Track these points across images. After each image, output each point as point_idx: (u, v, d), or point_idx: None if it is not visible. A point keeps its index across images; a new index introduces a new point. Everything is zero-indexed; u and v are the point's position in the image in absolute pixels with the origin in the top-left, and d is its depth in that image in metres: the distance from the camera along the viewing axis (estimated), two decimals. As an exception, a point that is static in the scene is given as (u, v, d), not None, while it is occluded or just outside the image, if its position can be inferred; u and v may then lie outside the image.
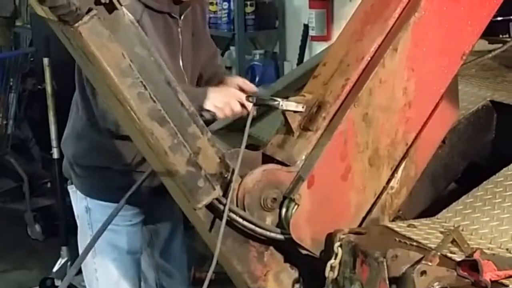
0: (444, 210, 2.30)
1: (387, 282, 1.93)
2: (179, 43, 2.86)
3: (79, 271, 3.23)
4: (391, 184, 2.31)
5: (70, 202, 3.12)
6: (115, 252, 2.98)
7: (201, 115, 2.52)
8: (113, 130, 2.75)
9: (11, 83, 6.05)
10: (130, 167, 2.82)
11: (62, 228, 4.91)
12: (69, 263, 4.69)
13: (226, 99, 2.74)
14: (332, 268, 2.10)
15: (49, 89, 4.89)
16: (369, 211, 2.29)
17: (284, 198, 2.18)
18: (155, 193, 2.92)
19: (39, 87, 5.99)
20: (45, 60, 4.92)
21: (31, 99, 6.61)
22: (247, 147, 2.21)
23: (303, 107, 2.26)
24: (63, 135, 3.09)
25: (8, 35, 7.34)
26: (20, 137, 6.81)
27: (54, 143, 4.88)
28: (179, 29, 2.86)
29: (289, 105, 2.25)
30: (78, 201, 3.00)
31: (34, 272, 5.11)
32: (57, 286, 4.65)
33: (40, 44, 5.24)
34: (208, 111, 2.70)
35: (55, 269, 4.81)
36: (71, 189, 3.07)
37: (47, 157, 5.62)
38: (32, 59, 6.44)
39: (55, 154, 4.90)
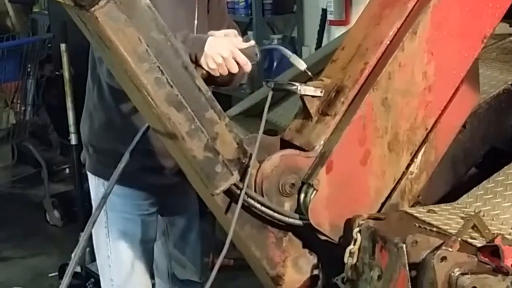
0: (464, 196, 2.29)
1: (407, 268, 1.92)
2: (194, 15, 2.81)
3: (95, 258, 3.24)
4: (410, 169, 2.30)
5: (88, 188, 3.11)
6: (129, 240, 2.98)
7: None
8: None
9: (29, 69, 6.06)
10: (140, 146, 2.79)
11: (81, 214, 4.92)
12: (87, 249, 4.70)
13: (222, 57, 2.49)
14: (351, 254, 2.10)
15: (66, 75, 4.89)
16: (389, 197, 2.27)
17: (303, 183, 2.17)
18: (172, 184, 2.91)
19: (56, 73, 5.98)
20: (63, 46, 4.92)
21: (49, 85, 6.62)
22: (265, 132, 2.20)
23: (321, 92, 2.24)
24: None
25: (26, 21, 7.36)
26: (38, 123, 6.84)
27: (72, 129, 4.88)
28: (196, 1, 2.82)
29: (308, 89, 2.24)
30: (95, 186, 2.99)
31: (53, 258, 5.13)
32: (76, 272, 4.66)
33: (57, 30, 5.24)
34: (202, 68, 2.48)
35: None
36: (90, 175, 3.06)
37: (65, 143, 5.63)
38: (49, 45, 6.44)
39: (73, 140, 4.90)
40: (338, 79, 2.26)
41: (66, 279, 2.15)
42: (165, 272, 3.25)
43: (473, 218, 2.10)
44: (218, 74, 2.49)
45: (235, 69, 2.49)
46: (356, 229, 2.10)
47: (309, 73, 2.34)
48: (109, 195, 2.30)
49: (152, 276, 3.17)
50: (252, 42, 2.57)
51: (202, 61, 2.46)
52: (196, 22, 2.79)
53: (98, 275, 3.68)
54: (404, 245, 1.92)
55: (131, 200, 2.92)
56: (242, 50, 2.49)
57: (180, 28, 2.53)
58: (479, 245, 1.97)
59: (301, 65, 2.40)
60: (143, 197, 2.94)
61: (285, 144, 2.26)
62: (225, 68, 2.48)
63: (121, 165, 2.28)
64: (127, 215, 2.95)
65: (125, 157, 2.30)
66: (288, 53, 2.45)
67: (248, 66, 2.51)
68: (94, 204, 3.04)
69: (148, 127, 2.35)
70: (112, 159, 2.77)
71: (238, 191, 2.11)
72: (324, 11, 5.75)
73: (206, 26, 2.82)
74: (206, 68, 2.46)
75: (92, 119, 2.92)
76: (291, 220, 2.18)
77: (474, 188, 2.30)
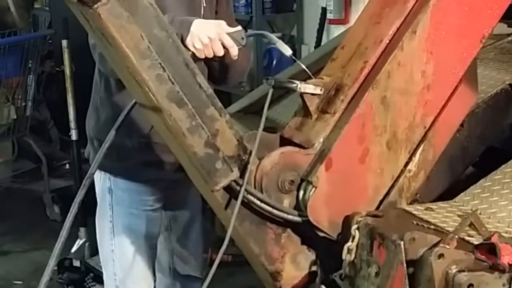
0: (462, 194, 2.30)
1: (405, 265, 1.93)
2: (200, 16, 2.82)
3: (96, 252, 3.25)
4: (408, 167, 2.31)
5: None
6: (134, 235, 2.99)
7: None
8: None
9: (29, 65, 6.06)
10: (146, 140, 2.80)
11: (80, 210, 4.91)
12: (87, 244, 4.72)
13: (209, 37, 2.47)
14: (349, 250, 2.11)
15: (67, 71, 4.90)
16: (387, 194, 2.28)
17: (302, 180, 2.19)
18: (177, 179, 2.93)
19: (57, 69, 6.00)
20: (64, 42, 4.93)
21: (49, 81, 6.63)
22: (265, 129, 2.22)
23: (321, 90, 2.25)
24: (81, 117, 3.09)
25: (27, 17, 7.36)
26: (39, 119, 6.84)
27: (72, 124, 4.89)
28: (202, 1, 2.82)
29: (307, 87, 2.25)
30: (101, 181, 2.99)
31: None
32: (76, 267, 4.68)
33: (58, 26, 5.24)
34: (187, 48, 2.44)
35: (73, 249, 4.83)
36: None
37: (66, 138, 5.65)
38: (50, 41, 6.45)
39: (74, 135, 4.91)
40: (338, 78, 2.27)
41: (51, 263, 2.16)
42: (166, 267, 3.26)
43: (470, 216, 2.11)
44: (203, 56, 2.47)
45: (220, 52, 2.47)
46: (354, 226, 2.11)
47: (295, 59, 2.33)
48: (94, 174, 2.30)
49: (154, 272, 3.19)
50: (239, 27, 2.57)
51: (188, 41, 2.45)
52: None
53: (97, 269, 3.69)
54: (402, 242, 1.94)
55: (136, 195, 2.94)
56: (228, 34, 2.50)
57: None
58: (476, 242, 1.98)
59: (287, 50, 2.40)
60: (148, 192, 2.96)
61: (285, 142, 2.27)
62: (210, 50, 2.46)
63: (106, 145, 2.30)
64: (133, 210, 2.96)
65: (111, 135, 2.31)
66: (274, 38, 2.45)
67: (234, 49, 2.49)
68: (99, 198, 3.05)
69: (135, 104, 2.36)
70: (118, 153, 2.79)
71: (238, 188, 2.12)
72: (324, 10, 5.75)
73: None
74: (192, 49, 2.44)
75: (99, 114, 2.93)
76: (290, 217, 2.19)
77: (472, 187, 2.31)
